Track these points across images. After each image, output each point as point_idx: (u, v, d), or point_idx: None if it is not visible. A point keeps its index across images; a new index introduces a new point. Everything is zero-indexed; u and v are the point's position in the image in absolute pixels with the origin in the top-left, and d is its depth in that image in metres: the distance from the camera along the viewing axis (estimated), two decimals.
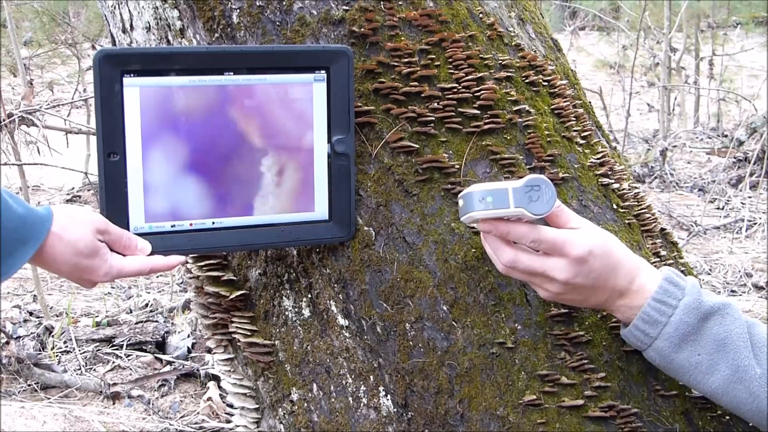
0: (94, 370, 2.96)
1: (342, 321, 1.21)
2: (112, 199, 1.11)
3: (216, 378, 2.76)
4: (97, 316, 3.35)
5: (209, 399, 2.71)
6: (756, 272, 4.10)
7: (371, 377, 1.20)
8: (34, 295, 3.52)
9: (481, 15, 1.28)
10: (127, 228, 1.12)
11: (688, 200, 5.55)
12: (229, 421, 2.54)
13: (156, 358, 3.04)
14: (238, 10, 1.19)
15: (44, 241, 1.03)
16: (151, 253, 1.12)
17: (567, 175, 1.27)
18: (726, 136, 6.95)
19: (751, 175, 5.59)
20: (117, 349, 3.07)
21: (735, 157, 5.95)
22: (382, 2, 1.21)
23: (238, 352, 1.32)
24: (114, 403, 2.72)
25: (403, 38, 1.21)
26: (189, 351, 3.07)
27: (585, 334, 1.19)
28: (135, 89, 1.09)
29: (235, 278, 1.28)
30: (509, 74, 1.27)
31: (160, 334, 3.13)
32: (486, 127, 1.22)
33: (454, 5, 1.25)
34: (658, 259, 1.34)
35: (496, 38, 1.28)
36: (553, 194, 1.03)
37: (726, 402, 1.09)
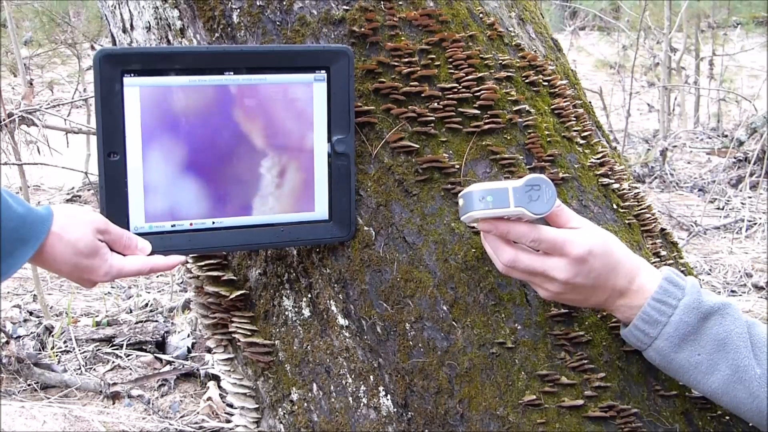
0: (94, 369, 2.96)
1: (342, 321, 1.21)
2: (112, 198, 1.11)
3: (216, 378, 2.76)
4: (97, 316, 3.35)
5: (209, 399, 2.71)
6: (756, 272, 4.10)
7: (371, 377, 1.20)
8: (34, 295, 3.52)
9: (481, 15, 1.28)
10: (127, 228, 1.12)
11: (688, 200, 5.55)
12: (229, 421, 2.54)
13: (156, 357, 3.04)
14: (238, 10, 1.19)
15: (44, 240, 1.03)
16: (151, 253, 1.12)
17: (567, 175, 1.27)
18: (726, 136, 6.95)
19: (751, 175, 5.59)
20: (117, 349, 3.07)
21: (735, 157, 5.95)
22: (382, 2, 1.21)
23: (238, 352, 1.32)
24: (114, 403, 2.72)
25: (403, 38, 1.21)
26: (189, 351, 3.07)
27: (585, 334, 1.19)
28: (135, 89, 1.09)
29: (235, 278, 1.28)
30: (509, 74, 1.27)
31: (160, 333, 3.13)
32: (486, 127, 1.22)
33: (455, 5, 1.25)
34: (658, 259, 1.34)
35: (496, 38, 1.28)
36: (553, 194, 1.03)
37: (726, 402, 1.09)
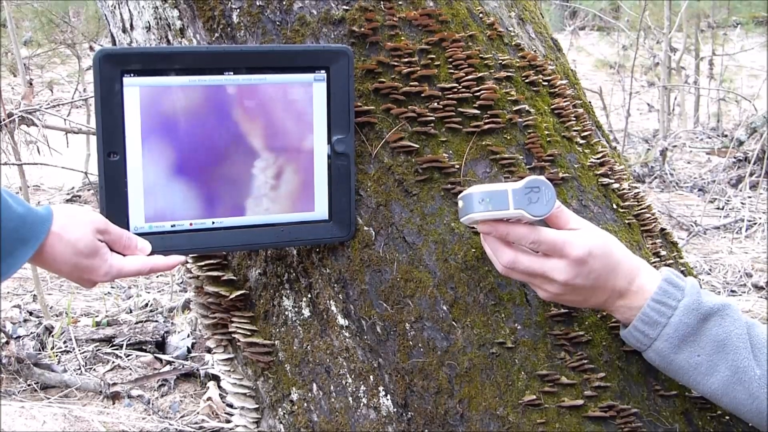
0: (94, 370, 2.96)
1: (342, 321, 1.21)
2: (112, 198, 1.11)
3: (216, 378, 2.76)
4: (97, 316, 3.35)
5: (209, 399, 2.71)
6: (756, 272, 4.10)
7: (371, 377, 1.20)
8: (34, 295, 3.52)
9: (481, 15, 1.28)
10: (127, 228, 1.12)
11: (688, 200, 5.55)
12: (228, 421, 2.54)
13: (156, 358, 3.04)
14: (238, 10, 1.19)
15: (44, 240, 1.03)
16: (151, 253, 1.12)
17: (567, 175, 1.27)
18: (726, 136, 6.95)
19: (751, 175, 5.59)
20: (117, 349, 3.07)
21: (735, 157, 5.95)
22: (382, 2, 1.21)
23: (238, 352, 1.32)
24: (114, 403, 2.72)
25: (403, 38, 1.21)
26: (189, 351, 3.07)
27: (585, 334, 1.19)
28: (135, 89, 1.09)
29: (234, 278, 1.28)
30: (509, 74, 1.27)
31: (160, 334, 3.13)
32: (486, 127, 1.22)
33: (454, 5, 1.25)
34: (658, 259, 1.34)
35: (496, 38, 1.28)
36: (552, 195, 1.03)
37: (726, 403, 1.09)
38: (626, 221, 1.32)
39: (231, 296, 1.26)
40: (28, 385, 2.77)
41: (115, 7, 1.33)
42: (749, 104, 6.94)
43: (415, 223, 1.19)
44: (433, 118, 1.20)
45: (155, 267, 1.12)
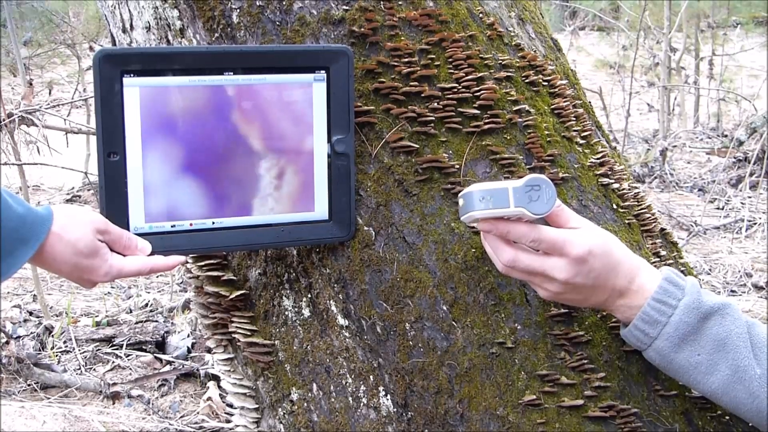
0: (94, 369, 2.96)
1: (342, 321, 1.21)
2: (112, 199, 1.11)
3: (216, 378, 2.76)
4: (97, 316, 3.35)
5: (209, 399, 2.71)
6: (756, 272, 4.10)
7: (371, 377, 1.20)
8: (34, 295, 3.52)
9: (481, 15, 1.28)
10: (127, 228, 1.12)
11: (688, 200, 5.55)
12: (228, 421, 2.54)
13: (156, 357, 3.04)
14: (238, 10, 1.19)
15: (44, 240, 1.03)
16: (151, 253, 1.12)
17: (567, 175, 1.27)
18: (726, 136, 6.95)
19: (751, 175, 5.59)
20: (117, 349, 3.07)
21: (735, 157, 5.95)
22: (382, 2, 1.21)
23: (238, 352, 1.32)
24: (114, 403, 2.72)
25: (403, 38, 1.21)
26: (189, 351, 3.07)
27: (585, 334, 1.19)
28: (135, 89, 1.09)
29: (234, 278, 1.28)
30: (509, 74, 1.27)
31: (160, 333, 3.13)
32: (486, 127, 1.22)
33: (454, 5, 1.25)
34: (658, 259, 1.34)
35: (496, 38, 1.28)
36: (553, 194, 1.03)
37: (726, 402, 1.09)
38: (626, 221, 1.32)
39: (231, 296, 1.26)
40: (28, 385, 2.77)
41: (115, 7, 1.33)
42: (749, 104, 6.95)
43: (415, 223, 1.19)
44: (433, 118, 1.20)
45: (155, 267, 1.12)
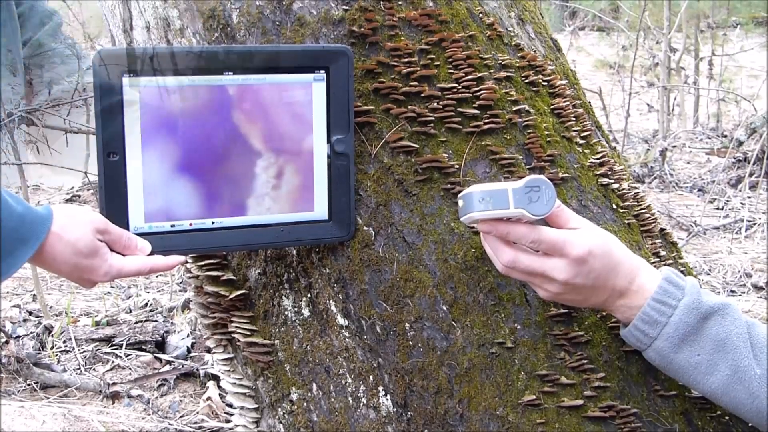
0: (94, 369, 2.96)
1: (341, 321, 1.21)
2: (112, 198, 1.11)
3: (215, 378, 2.76)
4: (96, 316, 3.35)
5: (209, 399, 2.71)
6: (756, 272, 4.10)
7: (371, 377, 1.20)
8: (34, 295, 3.51)
9: (480, 15, 1.28)
10: (127, 228, 1.12)
11: (688, 200, 5.55)
12: (228, 421, 2.54)
13: (155, 357, 3.03)
14: (237, 10, 1.19)
15: (44, 240, 1.03)
16: (151, 253, 1.12)
17: (567, 175, 1.27)
18: (725, 136, 6.95)
19: (751, 175, 5.59)
20: (116, 349, 3.06)
21: (734, 157, 5.94)
22: (381, 2, 1.21)
23: (238, 352, 1.32)
24: (113, 403, 2.72)
25: (402, 38, 1.21)
26: (188, 351, 3.06)
27: (585, 334, 1.19)
28: (135, 89, 1.09)
29: (234, 278, 1.28)
30: (509, 74, 1.27)
31: (160, 333, 3.12)
32: (486, 127, 1.22)
33: (454, 5, 1.25)
34: (658, 259, 1.34)
35: (495, 38, 1.28)
36: (553, 195, 1.03)
37: (725, 402, 1.09)
38: (626, 221, 1.32)
39: (231, 296, 1.26)
40: (28, 385, 2.77)
41: (115, 7, 1.33)
42: (749, 104, 6.94)
43: (414, 223, 1.19)
44: (433, 118, 1.20)
45: (155, 267, 1.12)
